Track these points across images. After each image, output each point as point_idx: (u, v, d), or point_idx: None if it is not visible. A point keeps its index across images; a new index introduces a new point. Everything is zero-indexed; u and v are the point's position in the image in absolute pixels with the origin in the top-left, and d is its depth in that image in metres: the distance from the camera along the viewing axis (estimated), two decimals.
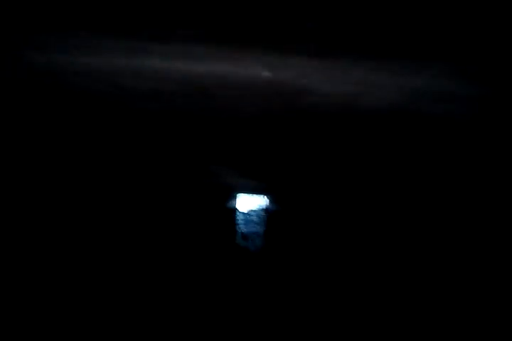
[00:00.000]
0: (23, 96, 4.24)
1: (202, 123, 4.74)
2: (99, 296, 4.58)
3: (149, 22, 3.52)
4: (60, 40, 3.60)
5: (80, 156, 4.89)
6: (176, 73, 3.85)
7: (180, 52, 3.69)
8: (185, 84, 4.03)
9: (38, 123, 4.68)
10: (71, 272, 4.69)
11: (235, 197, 5.22)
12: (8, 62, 3.87)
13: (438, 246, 5.09)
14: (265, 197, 5.26)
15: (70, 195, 4.98)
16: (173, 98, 4.25)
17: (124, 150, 4.90)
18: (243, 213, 5.20)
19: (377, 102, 4.40)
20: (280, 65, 3.82)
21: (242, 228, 5.13)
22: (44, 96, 4.38)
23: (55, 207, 4.96)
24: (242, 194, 5.24)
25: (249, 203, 5.23)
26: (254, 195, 5.24)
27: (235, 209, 5.21)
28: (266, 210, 5.22)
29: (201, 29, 3.64)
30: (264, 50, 3.70)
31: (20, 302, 4.12)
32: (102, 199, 4.95)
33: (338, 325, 4.73)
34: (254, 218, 5.19)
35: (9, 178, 4.84)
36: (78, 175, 4.95)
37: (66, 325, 4.02)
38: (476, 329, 4.11)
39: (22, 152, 4.81)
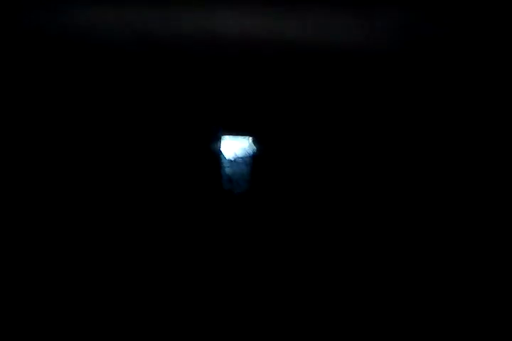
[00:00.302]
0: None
1: (186, 67, 4.52)
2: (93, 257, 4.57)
3: None
4: None
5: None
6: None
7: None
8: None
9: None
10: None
11: (218, 140, 5.05)
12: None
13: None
14: (250, 138, 5.08)
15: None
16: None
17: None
18: (228, 156, 5.05)
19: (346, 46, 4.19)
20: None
21: (227, 171, 5.01)
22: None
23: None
24: (226, 136, 5.07)
25: (233, 145, 5.07)
26: (239, 137, 5.06)
27: (219, 152, 5.05)
28: (251, 152, 5.07)
29: None
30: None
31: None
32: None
33: (328, 280, 4.73)
34: (240, 160, 5.05)
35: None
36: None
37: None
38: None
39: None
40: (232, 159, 5.02)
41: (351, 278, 4.68)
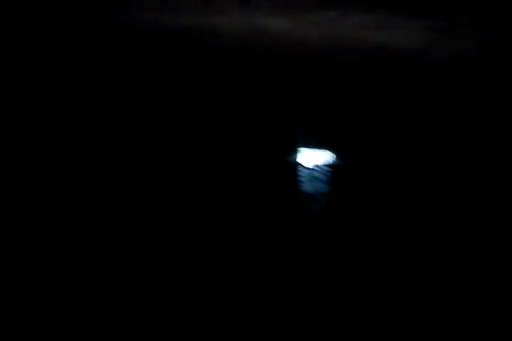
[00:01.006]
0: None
1: (271, 76, 4.42)
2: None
3: None
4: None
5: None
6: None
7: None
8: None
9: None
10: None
11: (298, 152, 4.82)
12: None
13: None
14: (330, 151, 4.85)
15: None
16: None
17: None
18: (307, 169, 4.80)
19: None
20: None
21: (306, 186, 4.73)
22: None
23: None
24: (305, 148, 4.84)
25: (313, 158, 4.83)
26: (318, 150, 4.83)
27: (298, 165, 4.81)
28: (331, 166, 4.81)
29: None
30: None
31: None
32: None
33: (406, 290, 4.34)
34: (319, 174, 4.78)
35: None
36: None
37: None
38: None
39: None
40: (311, 173, 4.77)
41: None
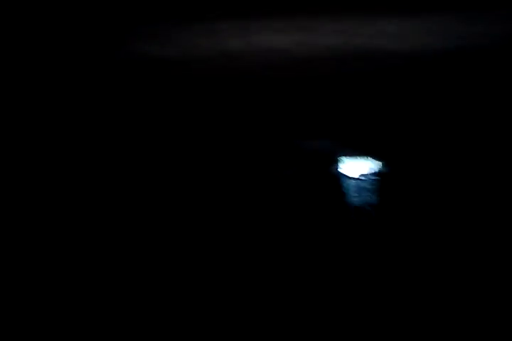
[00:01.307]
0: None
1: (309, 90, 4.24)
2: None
3: None
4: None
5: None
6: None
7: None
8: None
9: None
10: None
11: (344, 163, 4.58)
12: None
13: None
14: (376, 160, 4.60)
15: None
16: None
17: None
18: (353, 179, 4.55)
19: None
20: None
21: (354, 198, 4.47)
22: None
23: None
24: (351, 158, 4.60)
25: (359, 168, 4.58)
26: (364, 159, 4.59)
27: (344, 176, 4.57)
28: (378, 175, 4.56)
29: None
30: None
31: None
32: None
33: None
34: (366, 185, 4.52)
35: None
36: None
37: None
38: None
39: None
40: (359, 182, 4.52)
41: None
